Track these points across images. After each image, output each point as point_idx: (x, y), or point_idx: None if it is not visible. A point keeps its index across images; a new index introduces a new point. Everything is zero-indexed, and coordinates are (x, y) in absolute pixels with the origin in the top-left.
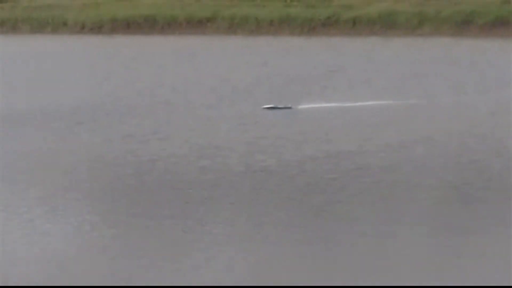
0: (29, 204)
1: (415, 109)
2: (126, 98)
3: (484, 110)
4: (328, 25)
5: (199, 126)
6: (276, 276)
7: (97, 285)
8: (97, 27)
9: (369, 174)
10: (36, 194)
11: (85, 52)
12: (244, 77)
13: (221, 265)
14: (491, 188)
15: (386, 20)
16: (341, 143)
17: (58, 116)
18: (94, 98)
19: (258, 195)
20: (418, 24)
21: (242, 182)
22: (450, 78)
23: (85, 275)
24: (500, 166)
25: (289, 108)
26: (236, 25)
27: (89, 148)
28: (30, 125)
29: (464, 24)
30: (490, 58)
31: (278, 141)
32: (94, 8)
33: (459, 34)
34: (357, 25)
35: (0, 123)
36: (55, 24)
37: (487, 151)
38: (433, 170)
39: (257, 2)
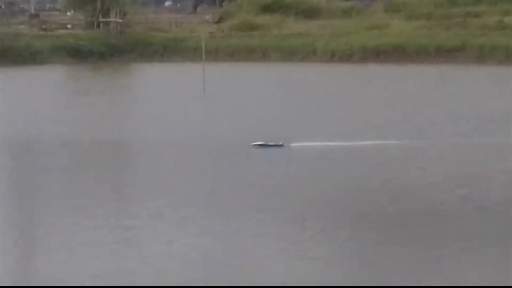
0: (291, 231)
1: None
2: (380, 125)
3: None
4: None
5: (454, 155)
6: None
7: (96, 285)
8: (347, 56)
9: None
10: (294, 220)
11: (335, 80)
12: (496, 107)
13: None
14: None
15: None
16: None
17: (305, 141)
18: (344, 125)
19: None
20: None
21: (503, 212)
22: None
23: None
24: None
25: None
26: (485, 55)
27: (345, 175)
28: (283, 152)
29: None
30: None
31: None
32: (343, 37)
33: None
34: None
35: (252, 152)
36: (304, 52)
37: None
38: None
39: (507, 32)
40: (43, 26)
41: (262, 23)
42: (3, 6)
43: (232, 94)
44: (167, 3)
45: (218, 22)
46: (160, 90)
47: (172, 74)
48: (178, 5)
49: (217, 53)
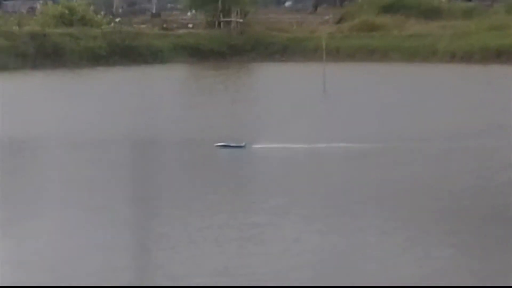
0: (415, 231)
1: None
2: (504, 126)
3: None
4: None
5: None
6: None
7: (96, 285)
8: (468, 56)
9: None
10: (405, 219)
11: (456, 80)
12: None
13: None
14: None
15: None
16: None
17: (428, 141)
18: (465, 125)
19: None
20: None
21: None
22: None
23: None
24: None
25: None
26: None
27: (467, 176)
28: (396, 151)
29: None
30: None
31: None
32: (464, 38)
33: None
34: None
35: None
36: (425, 53)
37: None
38: None
39: None
40: (164, 26)
41: (383, 24)
42: (125, 6)
43: (352, 94)
44: (287, 3)
45: (339, 22)
46: (281, 90)
47: (292, 74)
48: (299, 5)
49: (337, 53)
